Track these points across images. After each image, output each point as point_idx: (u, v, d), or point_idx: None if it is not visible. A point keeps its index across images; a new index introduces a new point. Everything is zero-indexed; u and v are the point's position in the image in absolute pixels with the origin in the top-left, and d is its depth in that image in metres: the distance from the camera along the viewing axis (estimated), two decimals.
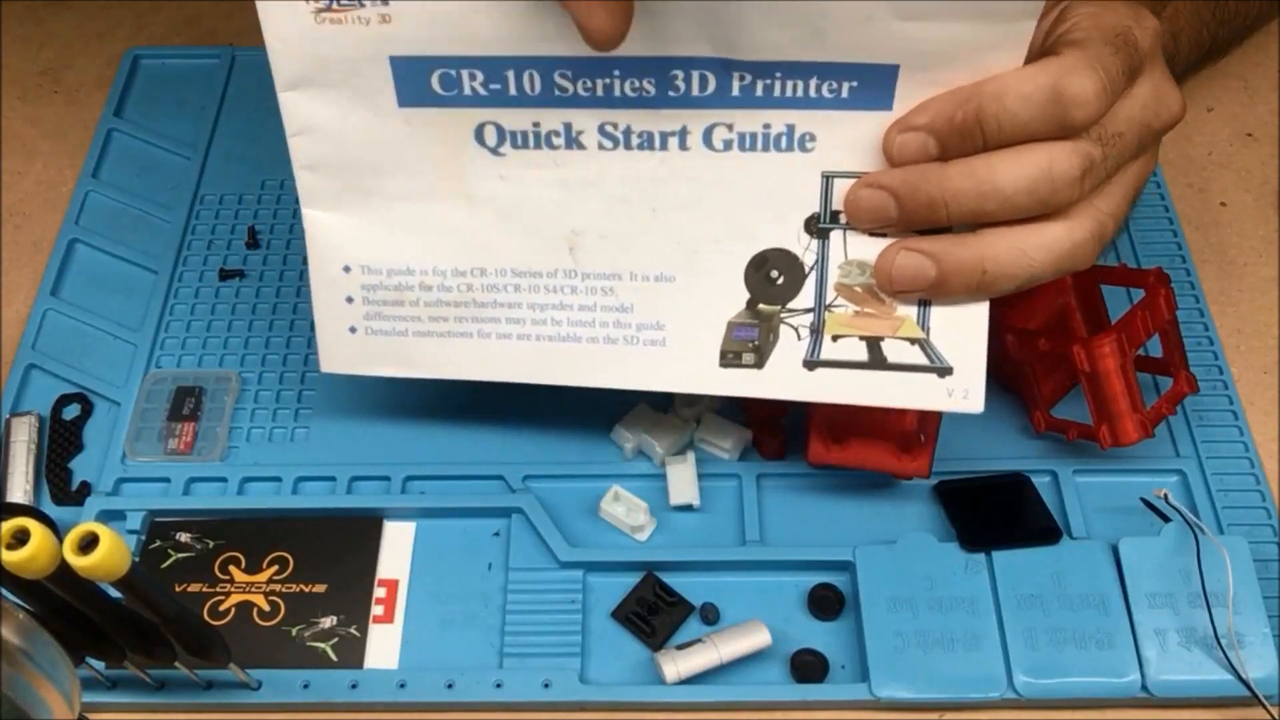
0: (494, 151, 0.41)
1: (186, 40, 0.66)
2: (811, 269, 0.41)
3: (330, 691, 0.44)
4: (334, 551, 0.47)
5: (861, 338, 0.41)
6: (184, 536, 0.47)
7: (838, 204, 0.40)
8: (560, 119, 0.40)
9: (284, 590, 0.46)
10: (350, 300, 0.45)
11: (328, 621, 0.45)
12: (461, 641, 0.45)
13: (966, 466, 0.48)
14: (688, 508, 0.47)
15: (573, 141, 0.41)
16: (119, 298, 0.55)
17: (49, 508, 0.48)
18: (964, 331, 0.41)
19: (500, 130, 0.41)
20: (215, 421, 0.50)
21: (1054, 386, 0.49)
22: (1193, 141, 0.60)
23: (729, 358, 0.43)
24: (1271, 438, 0.50)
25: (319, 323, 0.45)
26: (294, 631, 0.45)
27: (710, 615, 0.45)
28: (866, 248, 0.41)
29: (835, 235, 0.41)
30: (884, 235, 0.40)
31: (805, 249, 0.41)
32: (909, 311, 0.41)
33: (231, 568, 0.46)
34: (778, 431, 0.49)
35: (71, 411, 0.51)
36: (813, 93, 0.39)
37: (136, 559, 0.37)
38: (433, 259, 0.44)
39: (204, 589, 0.46)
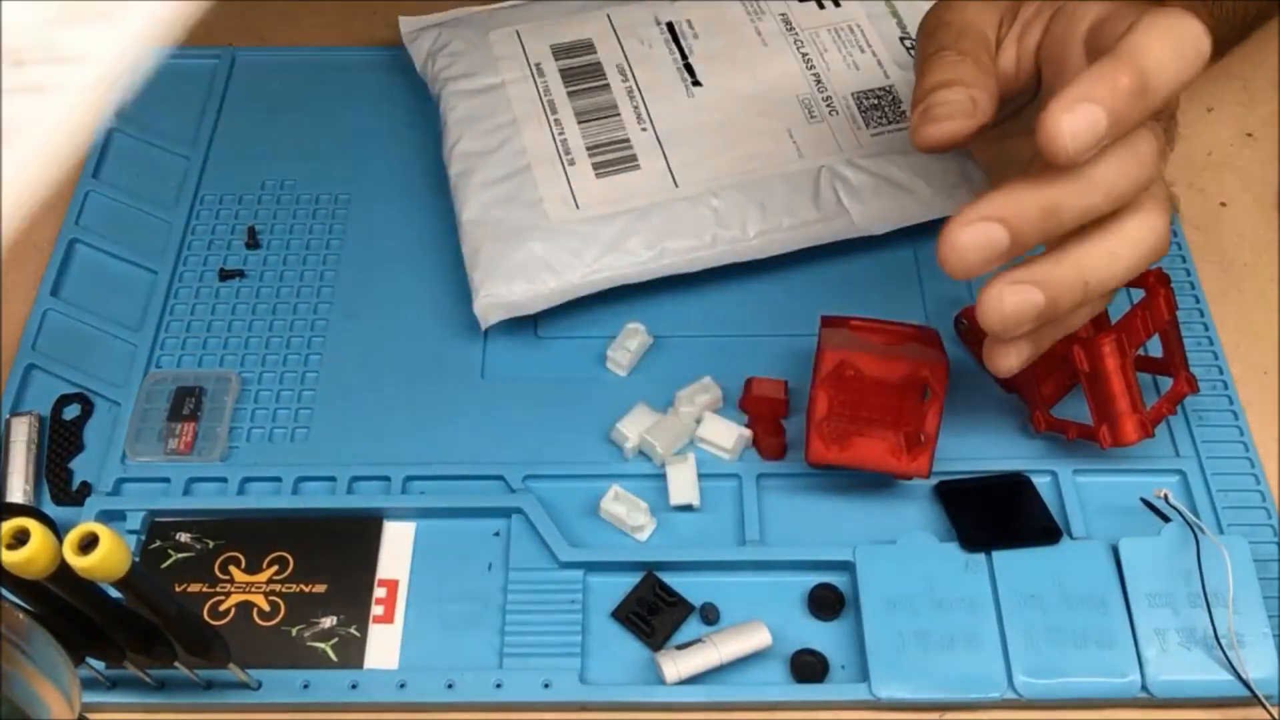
0: None
1: (186, 40, 0.65)
2: None
3: (330, 691, 0.44)
4: (334, 551, 0.47)
5: None
6: (184, 536, 0.47)
7: None
8: None
9: (284, 590, 0.46)
10: None
11: (328, 621, 0.45)
12: (461, 641, 0.45)
13: (966, 466, 0.48)
14: (688, 508, 0.47)
15: None
16: (119, 298, 0.55)
17: (49, 508, 0.48)
18: None
19: None
20: (215, 421, 0.50)
21: (1054, 386, 0.49)
22: (1193, 141, 0.60)
23: None
24: (1271, 438, 0.50)
25: None
26: (294, 631, 0.45)
27: (710, 615, 0.45)
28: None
29: None
30: None
31: None
32: None
33: (231, 568, 0.46)
34: (778, 431, 0.49)
35: (71, 411, 0.51)
36: None
37: (136, 559, 0.37)
38: None
39: (204, 589, 0.46)
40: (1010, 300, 0.38)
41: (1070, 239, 0.39)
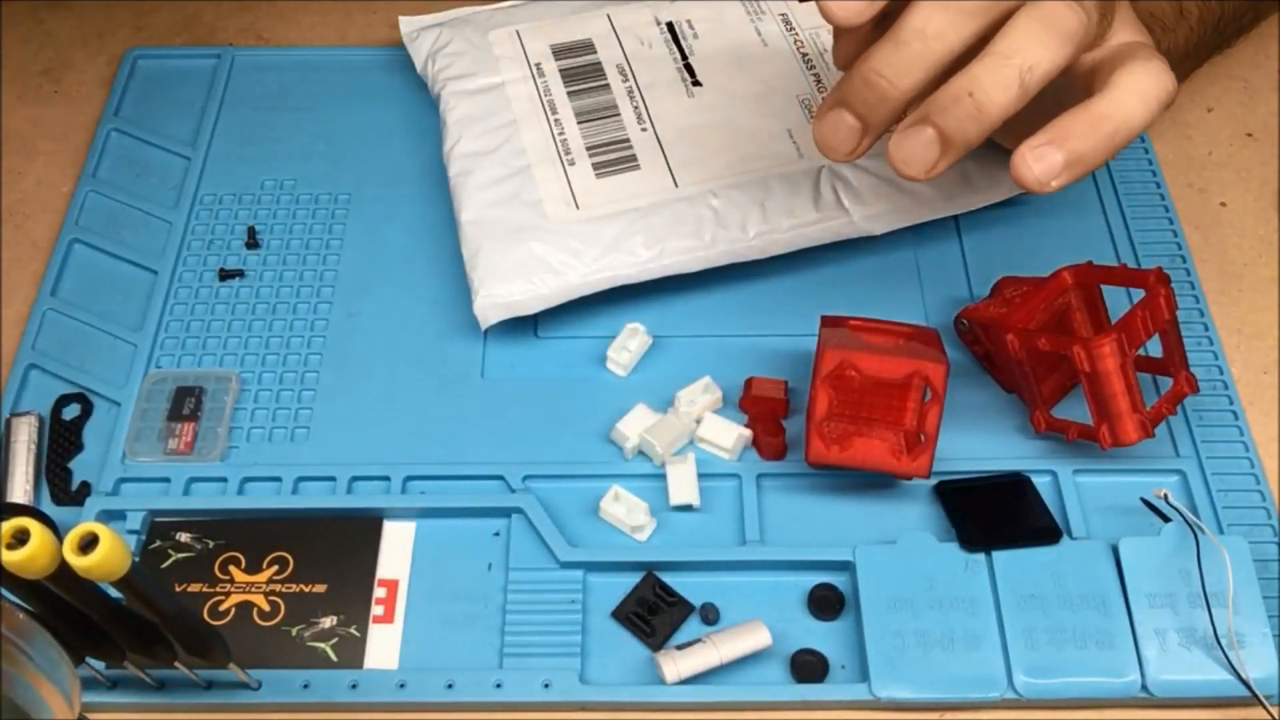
0: None
1: (186, 40, 0.66)
2: None
3: (330, 691, 0.44)
4: (334, 551, 0.47)
5: None
6: (184, 536, 0.47)
7: None
8: None
9: (284, 590, 0.46)
10: None
11: (328, 621, 0.45)
12: (461, 641, 0.45)
13: (966, 466, 0.48)
14: (688, 508, 0.47)
15: None
16: (119, 298, 0.55)
17: (49, 508, 0.48)
18: None
19: None
20: (215, 421, 0.50)
21: (1054, 386, 0.49)
22: (1193, 141, 0.60)
23: None
24: (1271, 438, 0.50)
25: None
26: (294, 631, 0.45)
27: (710, 615, 0.45)
28: None
29: None
30: None
31: None
32: None
33: (231, 568, 0.46)
34: (778, 431, 0.49)
35: (71, 411, 0.51)
36: None
37: (136, 559, 0.37)
38: None
39: (204, 589, 0.46)
40: (904, 146, 0.40)
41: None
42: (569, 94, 0.57)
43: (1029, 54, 0.38)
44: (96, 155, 0.60)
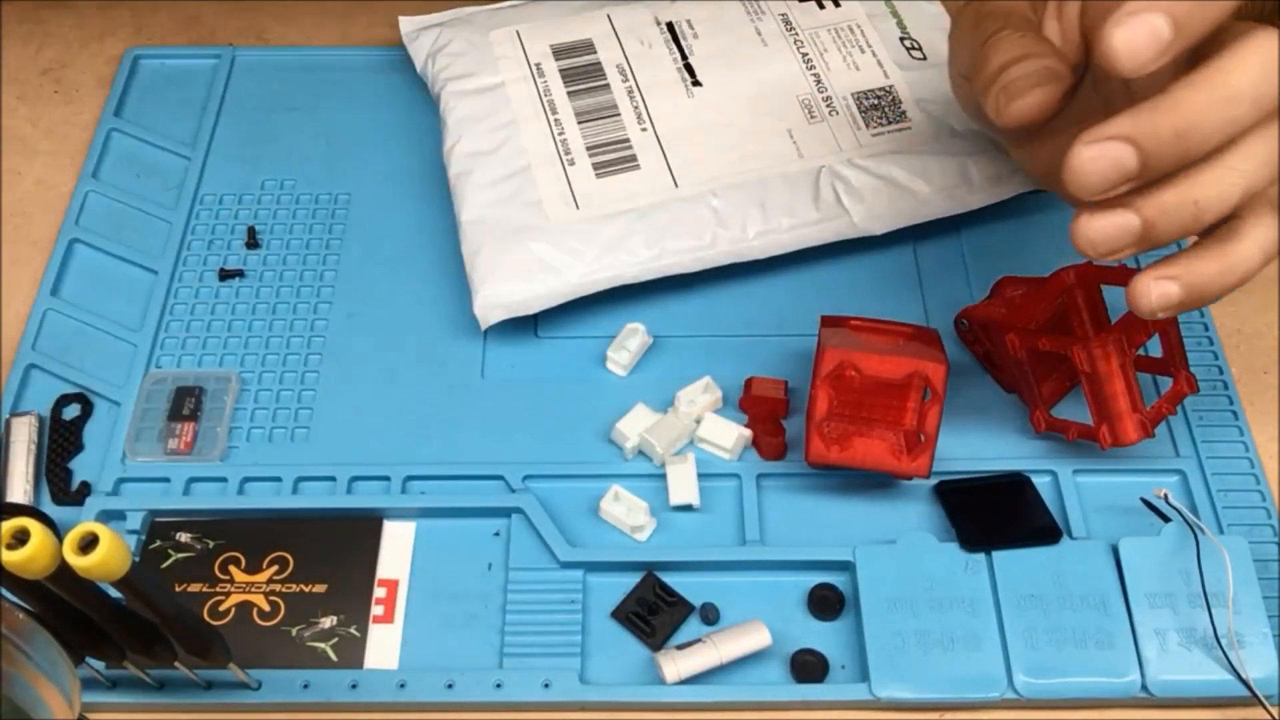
0: None
1: (186, 40, 0.66)
2: None
3: (330, 691, 0.44)
4: (334, 551, 0.47)
5: None
6: (184, 536, 0.47)
7: None
8: None
9: (284, 590, 0.46)
10: None
11: (328, 621, 0.45)
12: (461, 641, 0.45)
13: (966, 466, 0.48)
14: (688, 508, 0.47)
15: None
16: (119, 298, 0.55)
17: (49, 508, 0.48)
18: None
19: None
20: (215, 421, 0.50)
21: (1054, 386, 0.49)
22: None
23: None
24: (1271, 438, 0.50)
25: None
26: (294, 631, 0.45)
27: (710, 615, 0.45)
28: None
29: None
30: None
31: None
32: None
33: (231, 568, 0.46)
34: (778, 431, 0.49)
35: (71, 411, 0.51)
36: None
37: (136, 559, 0.37)
38: None
39: (204, 589, 0.46)
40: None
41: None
42: (569, 94, 0.57)
43: (1255, 176, 0.36)
44: (96, 155, 0.60)
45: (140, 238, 0.57)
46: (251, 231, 0.56)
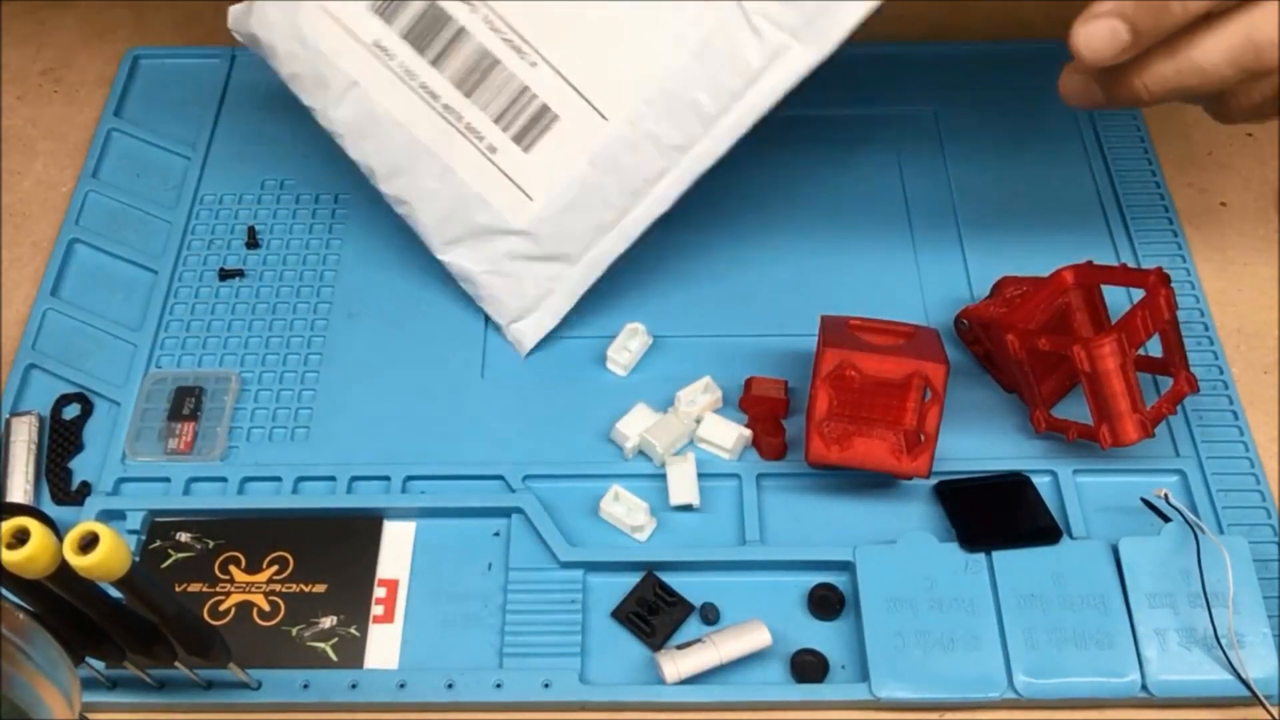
0: None
1: (186, 40, 0.66)
2: None
3: (330, 691, 0.44)
4: (334, 551, 0.47)
5: None
6: (184, 536, 0.47)
7: None
8: None
9: (284, 590, 0.46)
10: None
11: (328, 621, 0.45)
12: (461, 641, 0.45)
13: (966, 466, 0.48)
14: (688, 508, 0.47)
15: None
16: (119, 298, 0.55)
17: (49, 508, 0.48)
18: None
19: None
20: (215, 421, 0.50)
21: (1054, 386, 0.49)
22: (1193, 141, 0.60)
23: None
24: (1271, 438, 0.50)
25: None
26: (294, 631, 0.45)
27: (710, 615, 0.45)
28: None
29: None
30: None
31: None
32: None
33: (231, 567, 0.46)
34: (778, 431, 0.49)
35: (71, 411, 0.51)
36: None
37: (136, 559, 0.37)
38: None
39: (204, 589, 0.46)
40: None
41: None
42: (432, 64, 0.48)
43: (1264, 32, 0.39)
44: (96, 155, 0.60)
45: (140, 238, 0.57)
46: (251, 231, 0.56)
